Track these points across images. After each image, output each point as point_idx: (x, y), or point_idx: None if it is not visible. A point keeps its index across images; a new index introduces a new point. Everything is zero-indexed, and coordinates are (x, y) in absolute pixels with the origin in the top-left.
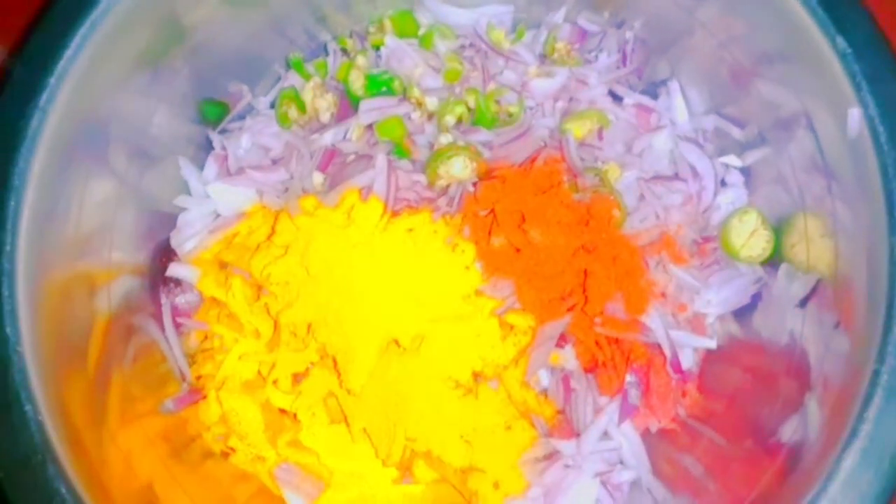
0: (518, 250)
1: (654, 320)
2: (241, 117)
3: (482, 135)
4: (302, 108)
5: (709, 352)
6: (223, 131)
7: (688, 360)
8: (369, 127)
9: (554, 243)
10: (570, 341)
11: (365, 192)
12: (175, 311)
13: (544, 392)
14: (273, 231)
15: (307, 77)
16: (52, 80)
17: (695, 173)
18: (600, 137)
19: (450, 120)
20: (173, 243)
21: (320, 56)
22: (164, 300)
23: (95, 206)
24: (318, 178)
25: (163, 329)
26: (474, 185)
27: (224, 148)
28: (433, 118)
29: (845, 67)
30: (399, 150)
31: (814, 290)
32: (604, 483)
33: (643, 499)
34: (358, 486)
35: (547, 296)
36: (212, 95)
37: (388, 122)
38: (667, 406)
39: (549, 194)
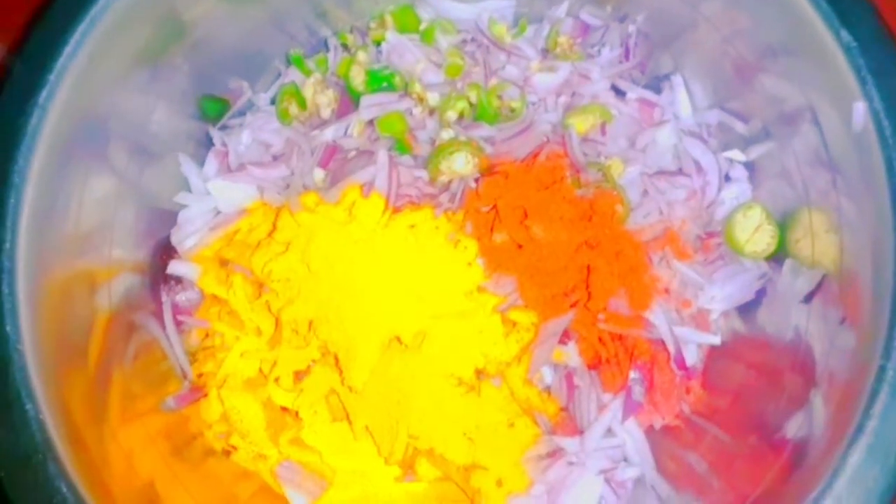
0: (520, 246)
1: (657, 316)
2: (242, 113)
3: (484, 130)
4: (302, 104)
5: (713, 348)
6: (223, 128)
7: (692, 357)
8: (370, 123)
9: (557, 239)
10: (574, 338)
11: (366, 189)
12: (176, 309)
13: (547, 389)
14: (274, 228)
15: (308, 73)
16: (51, 78)
17: (698, 168)
18: (603, 132)
19: (451, 115)
20: (174, 240)
21: (321, 52)
22: (164, 298)
23: (95, 203)
24: (318, 174)
25: (163, 327)
26: (476, 180)
27: (224, 144)
28: (434, 114)
29: (850, 61)
30: (400, 146)
31: (819, 286)
32: (607, 480)
33: (647, 496)
34: (360, 484)
35: (550, 292)
36: (212, 92)
37: (390, 118)
38: (671, 403)
39: (551, 190)
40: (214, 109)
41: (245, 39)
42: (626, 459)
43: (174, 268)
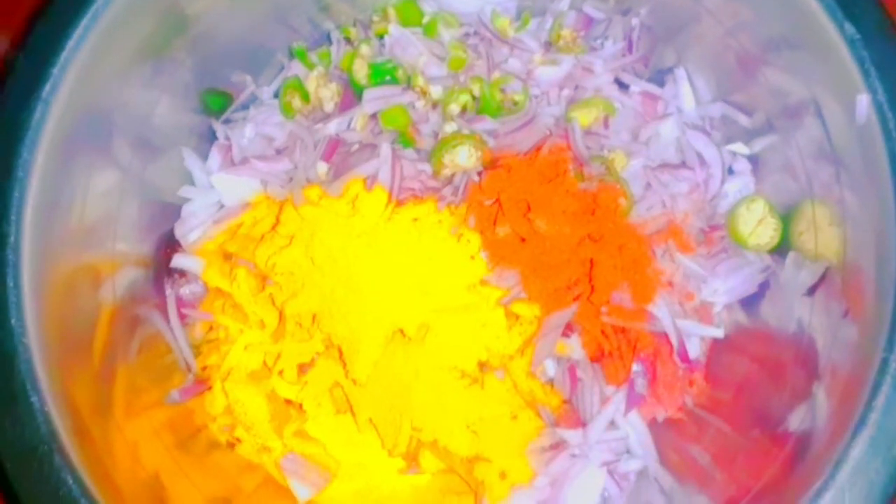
0: (523, 240)
1: (660, 309)
2: (245, 107)
3: (487, 123)
4: (305, 97)
5: (716, 341)
6: (227, 121)
7: (695, 350)
8: (373, 116)
9: (560, 232)
10: (577, 331)
11: (369, 182)
12: (180, 302)
13: (550, 382)
14: (277, 221)
15: (311, 66)
16: (54, 71)
17: (702, 161)
18: (606, 126)
19: (454, 108)
20: (177, 234)
21: (324, 45)
22: (168, 291)
23: (99, 196)
24: (322, 167)
25: (168, 320)
26: (479, 174)
27: (228, 138)
28: (437, 107)
29: (854, 54)
30: (403, 140)
31: (822, 279)
32: (610, 472)
33: (650, 488)
34: (364, 476)
35: (553, 285)
36: (215, 85)
37: (393, 111)
38: (674, 395)
39: (554, 183)
40: (217, 103)
41: (248, 33)
42: (628, 452)
43: (178, 261)
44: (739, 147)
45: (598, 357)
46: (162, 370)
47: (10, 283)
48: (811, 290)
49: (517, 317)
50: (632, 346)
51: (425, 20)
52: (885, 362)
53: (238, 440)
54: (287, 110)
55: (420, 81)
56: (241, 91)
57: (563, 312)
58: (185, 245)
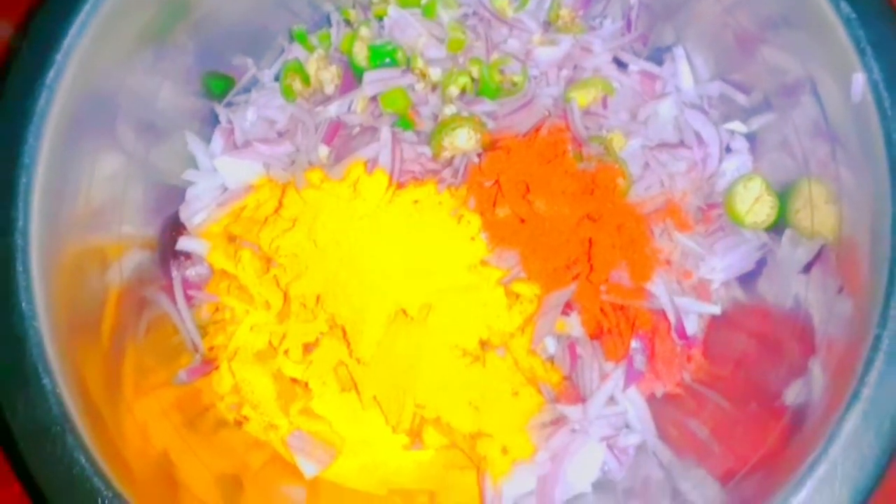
0: (523, 220)
1: (658, 287)
2: (247, 90)
3: (486, 105)
4: (306, 80)
5: (714, 317)
6: (229, 105)
7: (693, 326)
8: (373, 98)
9: (559, 213)
10: (576, 309)
11: (370, 165)
12: (186, 284)
13: (551, 359)
14: (280, 204)
15: (311, 49)
16: (58, 58)
17: (700, 140)
18: (605, 106)
19: (453, 91)
20: (182, 217)
21: (324, 27)
22: (174, 273)
23: (105, 181)
24: (323, 150)
25: (174, 301)
26: (479, 156)
27: (230, 121)
28: (437, 89)
29: (850, 33)
30: (403, 122)
31: (818, 256)
32: (610, 447)
33: (649, 462)
34: (369, 452)
35: (552, 265)
36: (217, 69)
37: (392, 94)
38: (672, 371)
39: (553, 164)
40: (219, 87)
41: (248, 16)
42: (627, 426)
43: (184, 244)
44: (737, 126)
45: (597, 334)
46: (169, 351)
47: (20, 268)
48: (807, 267)
49: (517, 296)
50: (630, 324)
51: (424, 1)
52: (878, 338)
53: (245, 418)
54: (288, 93)
55: (419, 63)
56: (242, 74)
57: (562, 291)
58: (190, 228)
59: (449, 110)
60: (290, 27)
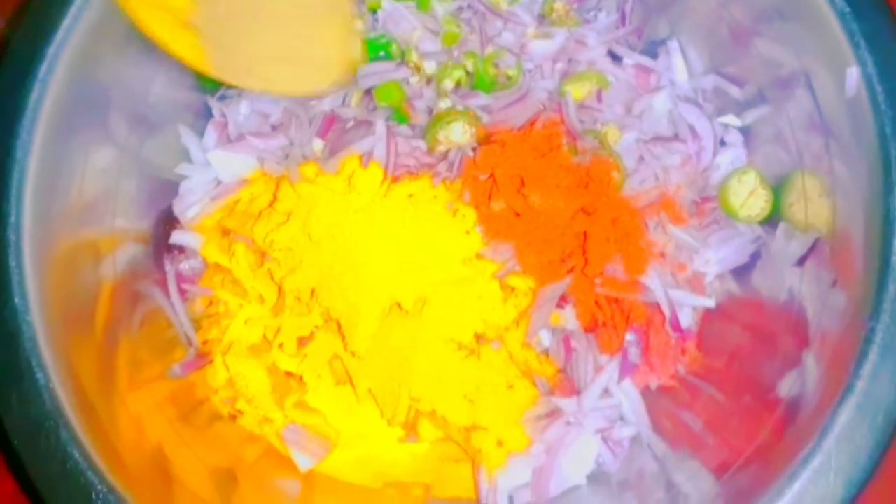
0: (518, 214)
1: (653, 280)
2: None
3: (481, 99)
4: None
5: (708, 310)
6: (222, 98)
7: (687, 319)
8: (368, 92)
9: (554, 206)
10: (571, 302)
11: (365, 159)
12: (179, 278)
13: (545, 352)
14: (275, 198)
15: None
16: (50, 51)
17: (694, 133)
18: (599, 99)
19: (448, 84)
20: (176, 211)
21: None
22: (168, 267)
23: (97, 174)
24: (317, 144)
25: (168, 295)
26: (474, 149)
27: (223, 115)
28: (432, 82)
29: (844, 26)
30: (398, 116)
31: (812, 249)
32: (604, 439)
33: (643, 454)
34: (364, 445)
35: (547, 258)
36: None
37: (387, 87)
38: (666, 364)
39: (548, 158)
40: (212, 80)
41: None
42: (622, 419)
43: (177, 237)
44: (731, 119)
45: (592, 327)
46: (163, 345)
47: (13, 263)
48: (801, 260)
49: (512, 289)
50: (625, 317)
51: None
52: (871, 331)
53: (240, 412)
54: None
55: (414, 57)
56: None
57: (557, 284)
58: (184, 221)
59: (444, 104)
60: None
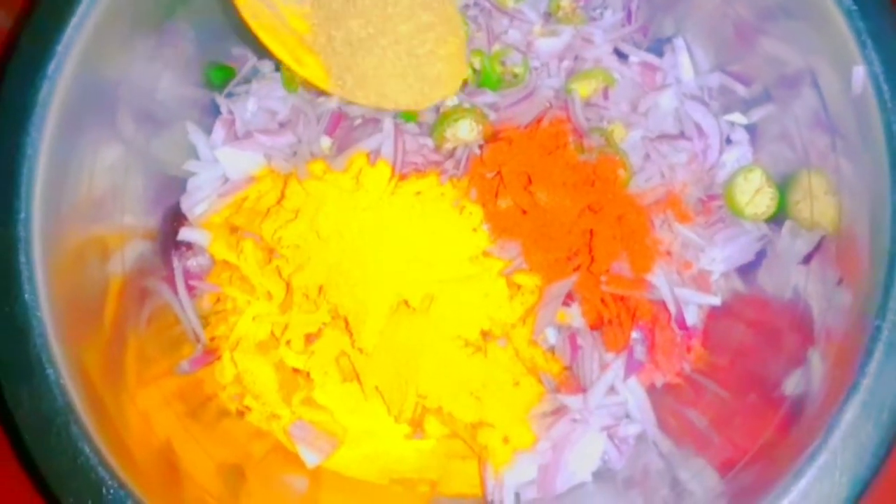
0: (525, 212)
1: (659, 278)
2: (247, 81)
3: (488, 97)
4: None
5: (713, 308)
6: (229, 95)
7: (692, 317)
8: None
9: (560, 204)
10: (577, 300)
11: (373, 157)
12: (187, 274)
13: (551, 349)
14: (283, 195)
15: None
16: (59, 48)
17: (700, 131)
18: (606, 97)
19: None
20: (183, 207)
21: None
22: (176, 263)
23: (106, 171)
24: (325, 142)
25: (176, 292)
26: (481, 147)
27: (231, 112)
28: None
29: (850, 25)
30: (406, 113)
31: (817, 247)
32: (610, 436)
33: (648, 451)
34: (371, 441)
35: (553, 256)
36: (217, 59)
37: None
38: (672, 361)
39: (554, 155)
40: (220, 77)
41: None
42: (628, 416)
43: (185, 234)
44: (737, 117)
45: (597, 325)
46: (171, 341)
47: (23, 259)
48: (807, 259)
49: (519, 287)
50: (631, 315)
51: None
52: (877, 329)
53: (247, 408)
54: (289, 84)
55: None
56: (242, 65)
57: (563, 282)
58: (192, 218)
59: (451, 102)
60: None
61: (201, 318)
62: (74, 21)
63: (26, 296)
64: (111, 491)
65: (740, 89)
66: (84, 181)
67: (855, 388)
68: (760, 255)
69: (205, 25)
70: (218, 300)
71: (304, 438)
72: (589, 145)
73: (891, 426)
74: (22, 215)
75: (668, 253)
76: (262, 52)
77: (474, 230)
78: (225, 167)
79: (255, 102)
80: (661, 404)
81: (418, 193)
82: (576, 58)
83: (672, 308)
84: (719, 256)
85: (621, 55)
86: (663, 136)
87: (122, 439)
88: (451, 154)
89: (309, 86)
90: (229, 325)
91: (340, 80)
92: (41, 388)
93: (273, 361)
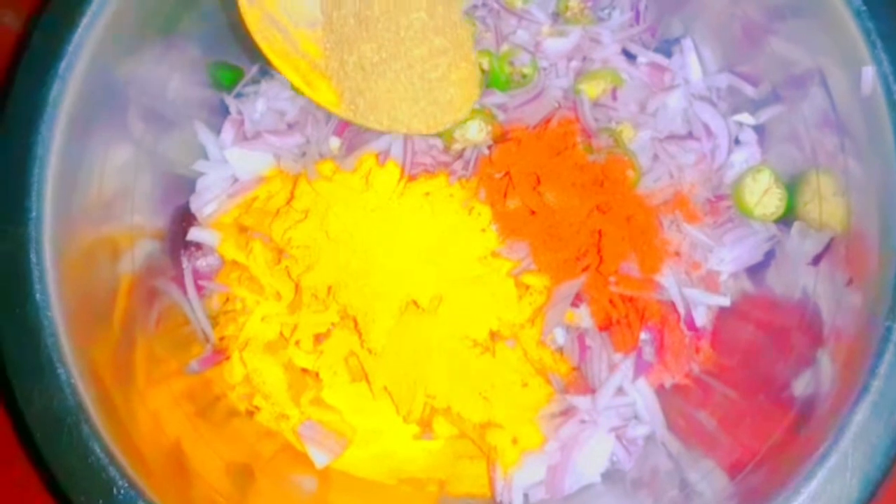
0: (533, 212)
1: (668, 279)
2: (256, 81)
3: (496, 97)
4: None
5: (722, 309)
6: (238, 96)
7: (701, 318)
8: None
9: (569, 204)
10: (585, 300)
11: (382, 157)
12: (196, 274)
13: (560, 350)
14: (292, 196)
15: None
16: (69, 49)
17: (708, 132)
18: (614, 97)
19: None
20: (193, 207)
21: None
22: (185, 263)
23: (116, 171)
24: (334, 142)
25: (185, 292)
26: (489, 148)
27: (240, 112)
28: None
29: (860, 25)
30: None
31: (826, 248)
32: (619, 437)
33: (657, 452)
34: (380, 442)
35: (562, 256)
36: (225, 59)
37: None
38: (681, 362)
39: (563, 156)
40: (228, 78)
41: None
42: (636, 417)
43: (195, 234)
44: (745, 117)
45: (606, 326)
46: (181, 341)
47: (34, 259)
48: (816, 259)
49: (527, 287)
50: (639, 315)
51: None
52: (888, 330)
53: (256, 408)
54: None
55: None
56: (251, 65)
57: (572, 283)
58: (201, 218)
59: None
60: None
61: (210, 318)
62: (85, 21)
63: (37, 296)
64: (121, 490)
65: (749, 90)
66: (94, 181)
67: (865, 390)
68: (769, 255)
69: (213, 26)
70: (227, 300)
71: (313, 438)
72: (597, 146)
73: None
74: (33, 215)
75: (677, 253)
76: None
77: (483, 231)
78: (234, 167)
79: (264, 103)
80: (669, 405)
81: (427, 194)
82: (584, 58)
83: (681, 309)
84: (728, 257)
85: (629, 56)
86: (672, 137)
87: (132, 439)
88: (460, 155)
89: None
90: (238, 325)
91: (352, 105)
92: (52, 387)
93: (282, 361)
